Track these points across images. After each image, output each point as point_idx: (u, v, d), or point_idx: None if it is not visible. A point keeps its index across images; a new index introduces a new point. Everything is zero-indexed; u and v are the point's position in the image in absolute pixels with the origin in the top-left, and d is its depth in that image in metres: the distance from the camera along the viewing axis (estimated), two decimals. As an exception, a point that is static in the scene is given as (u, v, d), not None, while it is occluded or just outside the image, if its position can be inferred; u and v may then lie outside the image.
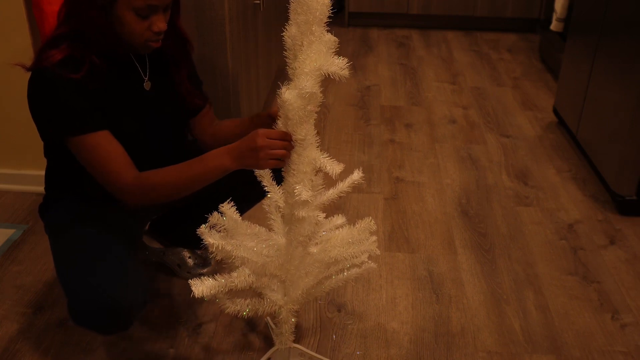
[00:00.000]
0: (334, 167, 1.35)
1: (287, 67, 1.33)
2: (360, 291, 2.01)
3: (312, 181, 1.38)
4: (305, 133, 1.33)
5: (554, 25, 3.49)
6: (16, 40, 2.20)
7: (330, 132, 3.06)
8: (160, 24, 1.43)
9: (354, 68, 3.83)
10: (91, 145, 1.44)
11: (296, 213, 1.39)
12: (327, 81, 1.32)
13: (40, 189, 1.73)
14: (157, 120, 1.60)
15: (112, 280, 1.43)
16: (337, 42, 1.31)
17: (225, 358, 1.75)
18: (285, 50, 1.33)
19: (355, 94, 3.50)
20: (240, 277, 1.42)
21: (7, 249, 2.15)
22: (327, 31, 1.30)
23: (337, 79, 1.30)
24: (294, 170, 1.37)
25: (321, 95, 1.32)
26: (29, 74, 1.44)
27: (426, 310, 1.93)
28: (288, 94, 1.30)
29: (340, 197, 1.51)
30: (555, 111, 3.16)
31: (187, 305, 1.92)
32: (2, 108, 2.34)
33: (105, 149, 1.44)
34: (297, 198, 1.36)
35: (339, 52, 1.31)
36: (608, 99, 2.53)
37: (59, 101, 1.41)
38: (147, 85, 1.57)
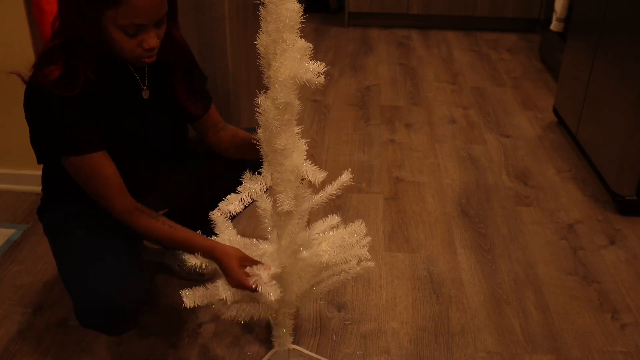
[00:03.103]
0: (316, 175, 1.32)
1: (262, 76, 1.29)
2: (360, 291, 2.01)
3: (296, 189, 1.34)
4: (284, 142, 1.29)
5: (554, 25, 3.49)
6: (16, 40, 2.20)
7: (330, 132, 3.06)
8: (151, 40, 1.37)
9: (354, 68, 3.84)
10: (86, 166, 1.43)
11: (282, 225, 1.39)
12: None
13: (40, 188, 1.73)
14: (156, 120, 1.60)
15: (110, 281, 1.43)
16: (311, 48, 1.26)
17: (225, 358, 1.75)
18: (259, 59, 1.28)
19: (355, 94, 3.49)
20: (228, 291, 1.42)
21: (7, 249, 2.15)
22: (301, 37, 1.25)
23: (314, 86, 1.26)
24: (277, 179, 1.33)
25: (299, 103, 1.29)
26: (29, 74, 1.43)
27: (426, 310, 1.93)
28: (265, 103, 1.27)
29: (330, 199, 1.51)
30: (555, 111, 3.16)
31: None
32: (1, 108, 2.34)
33: (100, 171, 1.44)
34: (279, 209, 1.35)
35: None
36: (608, 99, 2.53)
37: (55, 121, 1.39)
38: (145, 93, 1.55)
